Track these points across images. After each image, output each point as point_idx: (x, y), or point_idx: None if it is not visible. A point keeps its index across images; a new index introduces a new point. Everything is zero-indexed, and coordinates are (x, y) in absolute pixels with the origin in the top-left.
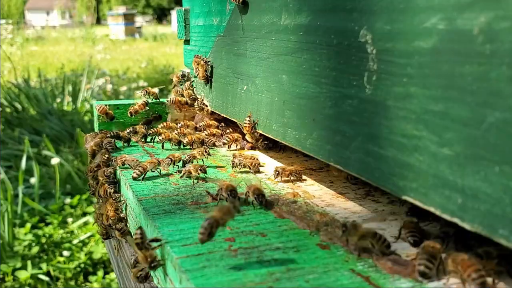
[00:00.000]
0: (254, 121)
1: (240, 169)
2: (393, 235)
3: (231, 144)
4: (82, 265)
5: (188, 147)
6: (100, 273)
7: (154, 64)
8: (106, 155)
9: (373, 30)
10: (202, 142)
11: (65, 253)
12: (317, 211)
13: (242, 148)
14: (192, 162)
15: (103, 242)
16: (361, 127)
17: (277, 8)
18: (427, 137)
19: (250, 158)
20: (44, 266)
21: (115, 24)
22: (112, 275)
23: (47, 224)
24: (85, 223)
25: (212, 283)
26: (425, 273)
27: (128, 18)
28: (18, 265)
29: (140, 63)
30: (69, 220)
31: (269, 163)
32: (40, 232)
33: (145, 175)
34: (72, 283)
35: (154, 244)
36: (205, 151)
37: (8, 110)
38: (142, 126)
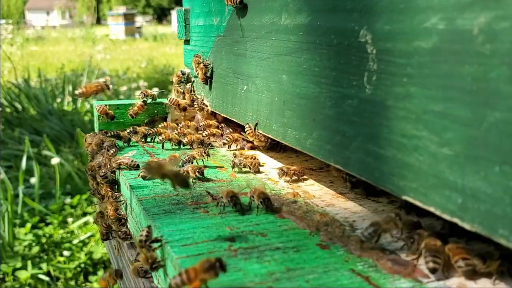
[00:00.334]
0: (255, 123)
1: (240, 169)
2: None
3: (231, 144)
4: (82, 265)
5: (188, 147)
6: (100, 273)
7: (154, 64)
8: (110, 153)
9: (373, 30)
10: (202, 142)
11: (65, 253)
12: (317, 211)
13: (242, 148)
14: (192, 163)
15: (103, 242)
16: (361, 127)
17: (277, 8)
18: (427, 137)
19: (250, 158)
20: (44, 266)
21: (115, 24)
22: None
23: (47, 224)
24: (85, 223)
25: (212, 283)
26: (435, 269)
27: (128, 18)
28: (18, 265)
29: (140, 63)
30: (69, 220)
31: (269, 163)
32: (40, 232)
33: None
34: (72, 283)
35: (155, 245)
36: (205, 152)
37: (8, 110)
38: (143, 127)
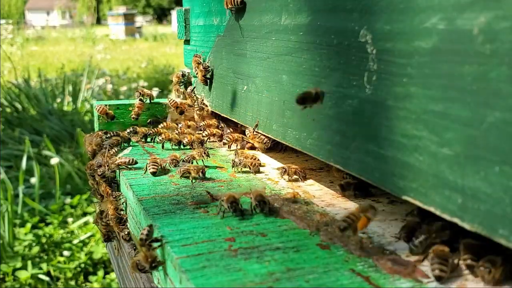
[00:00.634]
0: (255, 124)
1: (240, 169)
2: (393, 235)
3: (231, 144)
4: (82, 265)
5: (188, 147)
6: (101, 273)
7: (154, 64)
8: (110, 153)
9: (373, 30)
10: (202, 142)
11: (65, 253)
12: (317, 211)
13: (242, 148)
14: (192, 163)
15: (103, 242)
16: (361, 127)
17: (277, 8)
18: (427, 137)
19: (251, 158)
20: (44, 266)
21: (115, 24)
22: (112, 275)
23: (47, 224)
24: (85, 223)
25: (212, 283)
26: (441, 277)
27: (128, 18)
28: (19, 265)
29: (140, 63)
30: (69, 220)
31: (269, 163)
32: (40, 232)
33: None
34: (72, 283)
35: (155, 244)
36: (205, 152)
37: (8, 110)
38: (143, 127)
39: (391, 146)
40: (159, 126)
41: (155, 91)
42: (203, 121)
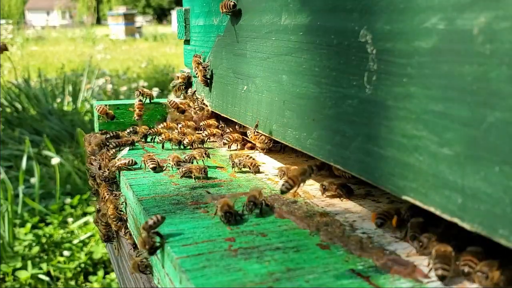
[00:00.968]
0: (255, 125)
1: (240, 169)
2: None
3: (231, 144)
4: (82, 265)
5: (188, 147)
6: (101, 273)
7: (154, 64)
8: (109, 154)
9: (373, 30)
10: (202, 142)
11: (65, 253)
12: (317, 211)
13: (242, 148)
14: (192, 163)
15: (103, 242)
16: (361, 127)
17: (277, 8)
18: (427, 137)
19: (250, 158)
20: (44, 266)
21: (115, 24)
22: (112, 275)
23: (47, 224)
24: (85, 223)
25: (212, 283)
26: (444, 276)
27: (128, 18)
28: (19, 265)
29: (140, 63)
30: (69, 220)
31: (269, 163)
32: (40, 232)
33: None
34: (72, 283)
35: (156, 239)
36: (205, 153)
37: (8, 110)
38: (143, 127)
39: (391, 146)
40: (159, 126)
41: (155, 91)
42: (203, 121)
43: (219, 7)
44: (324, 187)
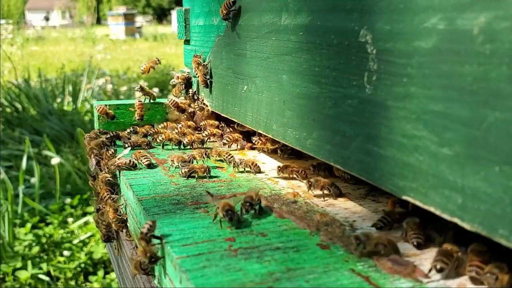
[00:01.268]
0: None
1: (240, 168)
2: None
3: (231, 144)
4: (83, 265)
5: (188, 147)
6: (101, 273)
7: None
8: (109, 154)
9: (373, 30)
10: (202, 142)
11: (66, 253)
12: (317, 211)
13: (242, 148)
14: (192, 163)
15: (103, 242)
16: (361, 127)
17: (277, 8)
18: (427, 137)
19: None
20: (44, 266)
21: (115, 24)
22: (113, 275)
23: (47, 224)
24: (86, 223)
25: (212, 283)
26: (442, 268)
27: (128, 18)
28: (19, 265)
29: (141, 63)
30: (70, 220)
31: (269, 163)
32: (40, 232)
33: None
34: (73, 283)
35: (155, 241)
36: (205, 153)
37: (8, 110)
38: (143, 127)
39: (391, 146)
40: (159, 126)
41: (155, 91)
42: (203, 121)
43: (219, 5)
44: (310, 183)
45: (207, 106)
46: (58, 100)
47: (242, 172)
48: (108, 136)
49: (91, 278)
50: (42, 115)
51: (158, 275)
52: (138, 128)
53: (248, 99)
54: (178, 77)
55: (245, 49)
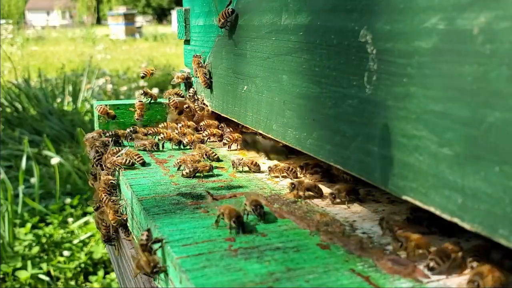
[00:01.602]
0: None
1: (241, 168)
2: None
3: (231, 144)
4: (83, 265)
5: (188, 147)
6: (101, 273)
7: (154, 64)
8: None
9: (373, 30)
10: (202, 142)
11: (66, 253)
12: (317, 211)
13: (242, 148)
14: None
15: (103, 243)
16: (361, 127)
17: (277, 8)
18: (427, 137)
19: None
20: (44, 266)
21: (115, 24)
22: (113, 275)
23: (47, 224)
24: (86, 223)
25: (212, 283)
26: (433, 268)
27: (129, 18)
28: (19, 265)
29: (141, 63)
30: (70, 220)
31: (269, 162)
32: (40, 232)
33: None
34: (73, 283)
35: (155, 246)
36: (205, 153)
37: (8, 110)
38: (143, 127)
39: (391, 146)
40: (159, 126)
41: (154, 92)
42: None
43: (222, 4)
44: (293, 185)
45: (207, 106)
46: (58, 100)
47: (241, 172)
48: (109, 134)
49: (91, 278)
50: (42, 115)
51: (158, 275)
52: (138, 128)
53: (248, 99)
54: (178, 77)
55: (245, 49)
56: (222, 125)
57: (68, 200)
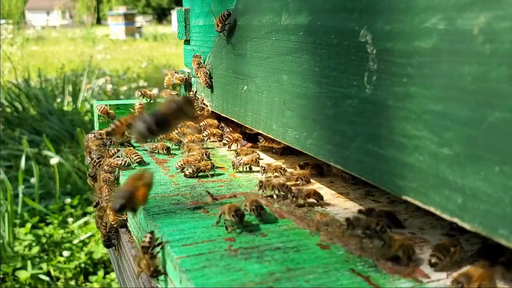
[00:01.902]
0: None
1: (241, 168)
2: None
3: (231, 144)
4: (83, 265)
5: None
6: (101, 273)
7: (154, 64)
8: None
9: (373, 30)
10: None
11: (65, 253)
12: (317, 211)
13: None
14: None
15: (104, 244)
16: (361, 127)
17: (277, 8)
18: (427, 137)
19: (250, 154)
20: (44, 266)
21: (115, 24)
22: (112, 275)
23: (47, 224)
24: (86, 223)
25: (212, 283)
26: (435, 264)
27: (128, 18)
28: (18, 265)
29: (141, 63)
30: (70, 220)
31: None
32: (40, 232)
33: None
34: (73, 283)
35: (157, 249)
36: (206, 153)
37: (8, 110)
38: None
39: (391, 146)
40: None
41: (154, 92)
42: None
43: (222, 4)
44: (261, 184)
45: (207, 106)
46: (58, 100)
47: (241, 172)
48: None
49: (91, 278)
50: (42, 115)
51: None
52: None
53: (248, 99)
54: (177, 78)
55: (245, 49)
56: (222, 125)
57: (68, 200)
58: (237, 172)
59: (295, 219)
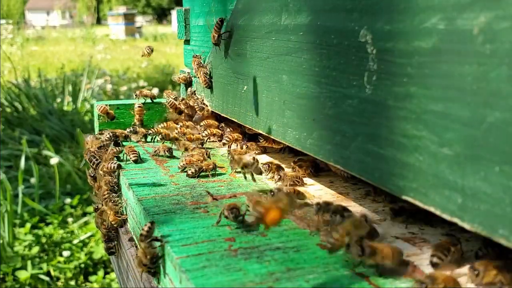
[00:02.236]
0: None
1: (242, 170)
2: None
3: (231, 144)
4: (82, 265)
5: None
6: (101, 273)
7: (154, 64)
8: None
9: (373, 30)
10: (202, 143)
11: (65, 253)
12: None
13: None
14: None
15: (103, 242)
16: (361, 127)
17: (277, 8)
18: (427, 137)
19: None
20: (44, 266)
21: (115, 24)
22: (112, 275)
23: (47, 224)
24: (86, 223)
25: (212, 283)
26: (437, 264)
27: (128, 18)
28: (18, 265)
29: (141, 63)
30: (69, 220)
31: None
32: (40, 232)
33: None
34: (72, 283)
35: (156, 244)
36: (206, 153)
37: (8, 110)
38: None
39: (391, 146)
40: (159, 126)
41: (154, 92)
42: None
43: (222, 4)
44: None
45: (207, 106)
46: (58, 100)
47: (239, 172)
48: (107, 137)
49: (91, 278)
50: (42, 115)
51: (158, 275)
52: (138, 128)
53: (248, 99)
54: (180, 78)
55: (245, 49)
56: (222, 125)
57: (68, 200)
58: (236, 172)
59: (295, 219)
